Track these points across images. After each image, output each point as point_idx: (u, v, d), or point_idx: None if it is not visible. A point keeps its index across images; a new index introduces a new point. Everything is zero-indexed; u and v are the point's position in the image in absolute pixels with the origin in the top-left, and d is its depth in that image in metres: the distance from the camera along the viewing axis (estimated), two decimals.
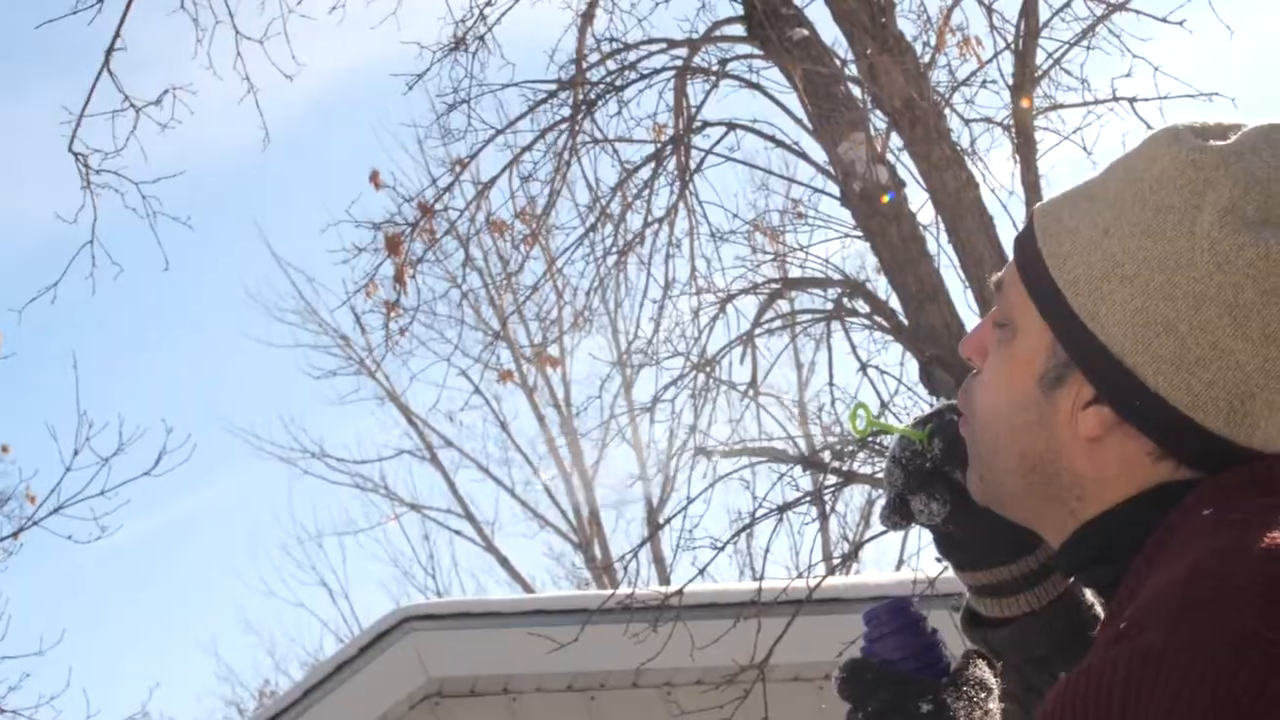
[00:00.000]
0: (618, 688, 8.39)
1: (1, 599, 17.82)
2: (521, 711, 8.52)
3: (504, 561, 24.98)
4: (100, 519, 16.62)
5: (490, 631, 8.47)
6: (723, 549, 7.30)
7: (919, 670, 1.72)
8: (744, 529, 7.19)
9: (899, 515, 1.86)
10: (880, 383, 8.22)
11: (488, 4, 9.15)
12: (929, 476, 1.83)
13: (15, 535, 16.65)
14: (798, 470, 7.96)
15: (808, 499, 7.53)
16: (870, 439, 7.70)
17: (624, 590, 7.66)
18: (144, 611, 35.74)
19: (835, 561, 7.89)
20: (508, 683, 8.49)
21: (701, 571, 7.42)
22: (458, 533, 25.73)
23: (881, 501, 1.91)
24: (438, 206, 9.25)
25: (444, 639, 8.48)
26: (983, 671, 1.73)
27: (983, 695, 1.70)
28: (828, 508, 7.56)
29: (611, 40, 9.25)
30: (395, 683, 8.46)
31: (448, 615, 8.73)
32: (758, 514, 7.32)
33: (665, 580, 18.98)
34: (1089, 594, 1.84)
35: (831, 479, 7.44)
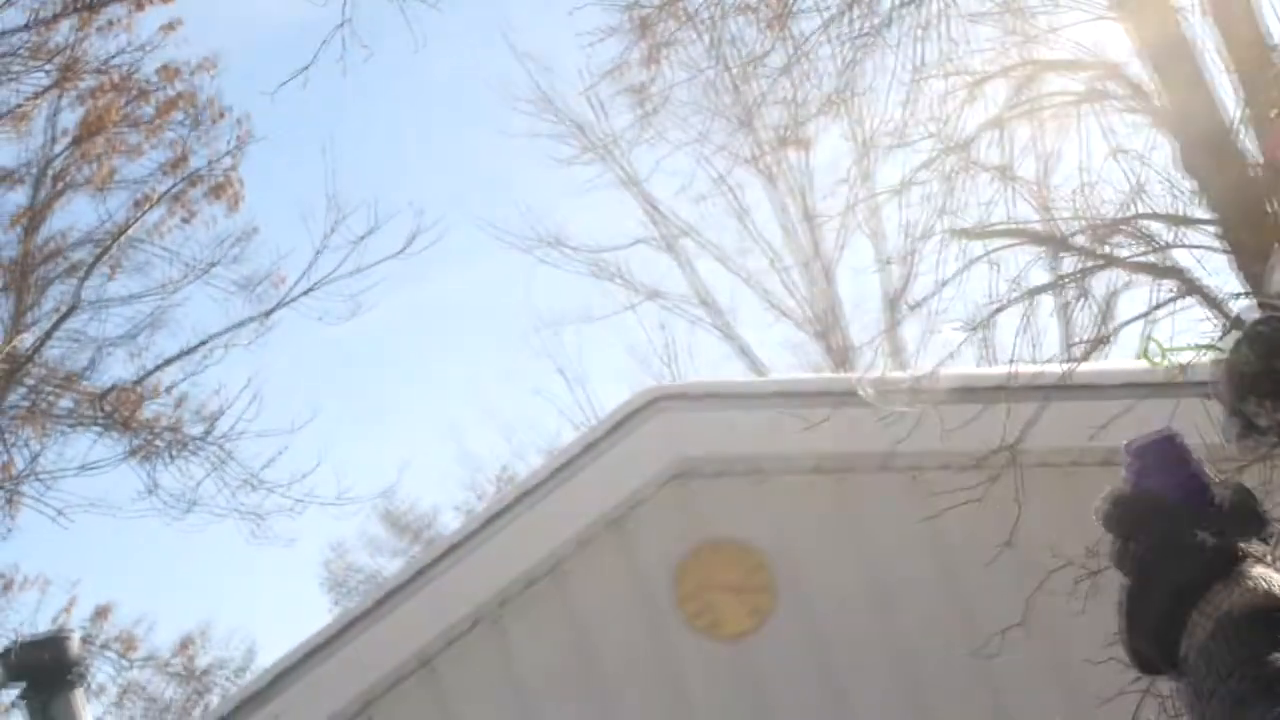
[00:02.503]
0: (865, 470, 8.45)
1: (256, 378, 18.46)
2: (768, 492, 8.63)
3: (742, 350, 25.11)
4: (351, 299, 17.14)
5: (739, 412, 8.56)
6: (976, 329, 7.28)
7: (1189, 504, 1.70)
8: (999, 310, 7.15)
9: (1248, 432, 1.82)
10: (1134, 168, 8.08)
11: None
12: (1255, 380, 1.79)
13: (267, 315, 17.19)
14: (1049, 254, 7.88)
15: (1063, 282, 7.47)
16: (1125, 224, 7.60)
17: (874, 373, 7.69)
18: (389, 393, 36.62)
19: (1086, 345, 7.82)
20: (756, 463, 8.60)
21: (953, 353, 7.43)
22: (695, 322, 25.89)
23: (1223, 419, 1.87)
24: None
25: (693, 419, 8.59)
26: (1256, 504, 1.70)
27: (1257, 527, 1.68)
28: (1082, 292, 7.50)
29: None
30: (644, 462, 8.61)
31: (698, 395, 8.83)
32: (1011, 297, 7.28)
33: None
34: None
35: (1087, 262, 7.37)
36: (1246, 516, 1.67)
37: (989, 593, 8.06)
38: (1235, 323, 1.83)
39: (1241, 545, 1.63)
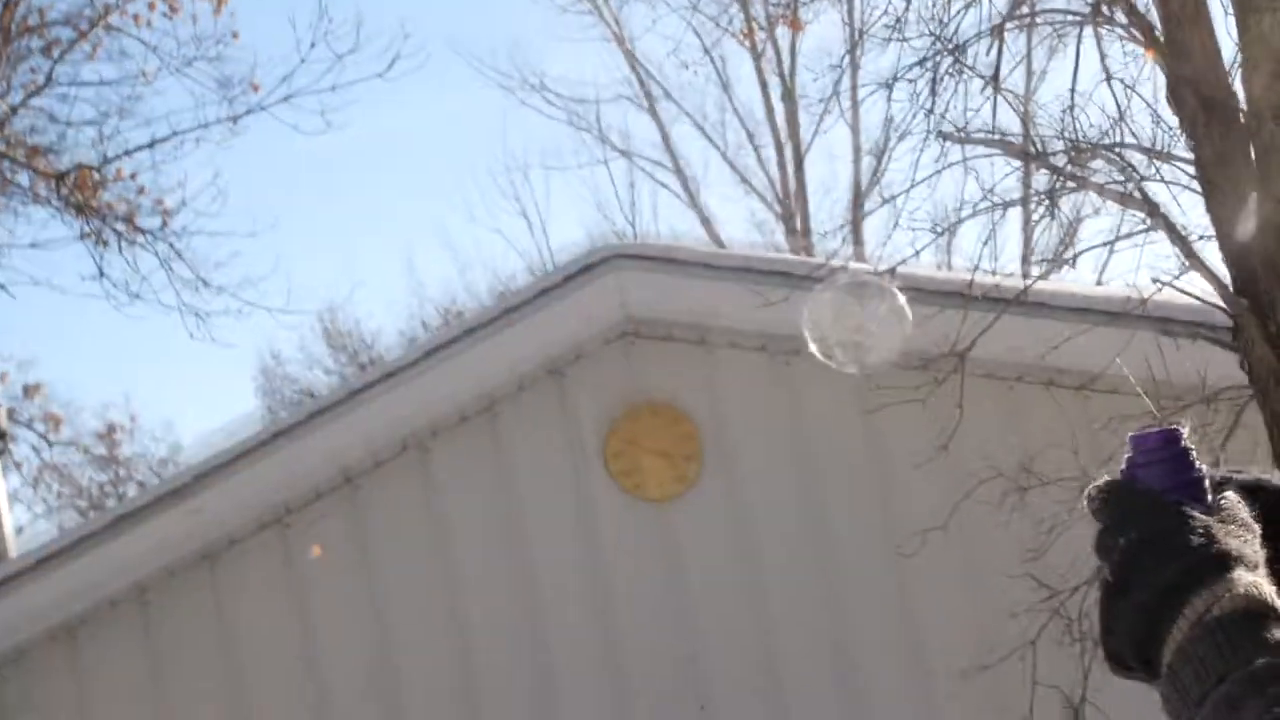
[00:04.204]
0: (811, 355, 8.45)
1: (220, 179, 18.34)
2: (712, 363, 8.65)
3: (705, 221, 25.12)
4: (327, 113, 17.03)
5: (694, 280, 8.55)
6: (943, 234, 7.27)
7: (1183, 503, 1.62)
8: (969, 216, 7.16)
9: None
10: (1121, 95, 8.04)
11: None
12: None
13: (239, 118, 17.04)
14: (1025, 168, 7.85)
15: (1034, 198, 7.45)
16: (1105, 150, 7.58)
17: (837, 261, 7.69)
18: (350, 214, 36.47)
19: (1048, 263, 7.84)
20: (703, 332, 8.61)
21: (918, 253, 7.43)
22: (663, 185, 25.87)
23: None
24: None
25: (647, 279, 8.58)
26: (1243, 510, 1.65)
27: (1249, 534, 1.64)
28: (1051, 210, 7.48)
29: None
30: (592, 315, 8.61)
31: (655, 257, 8.82)
32: (980, 205, 7.28)
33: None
34: None
35: (1061, 181, 7.35)
36: (1240, 522, 1.64)
37: (916, 493, 8.13)
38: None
39: (1232, 551, 1.60)
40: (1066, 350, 7.54)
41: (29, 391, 18.92)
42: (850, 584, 8.44)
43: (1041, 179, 8.17)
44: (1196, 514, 1.60)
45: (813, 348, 5.79)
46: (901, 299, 5.61)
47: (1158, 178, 7.45)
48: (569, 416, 8.64)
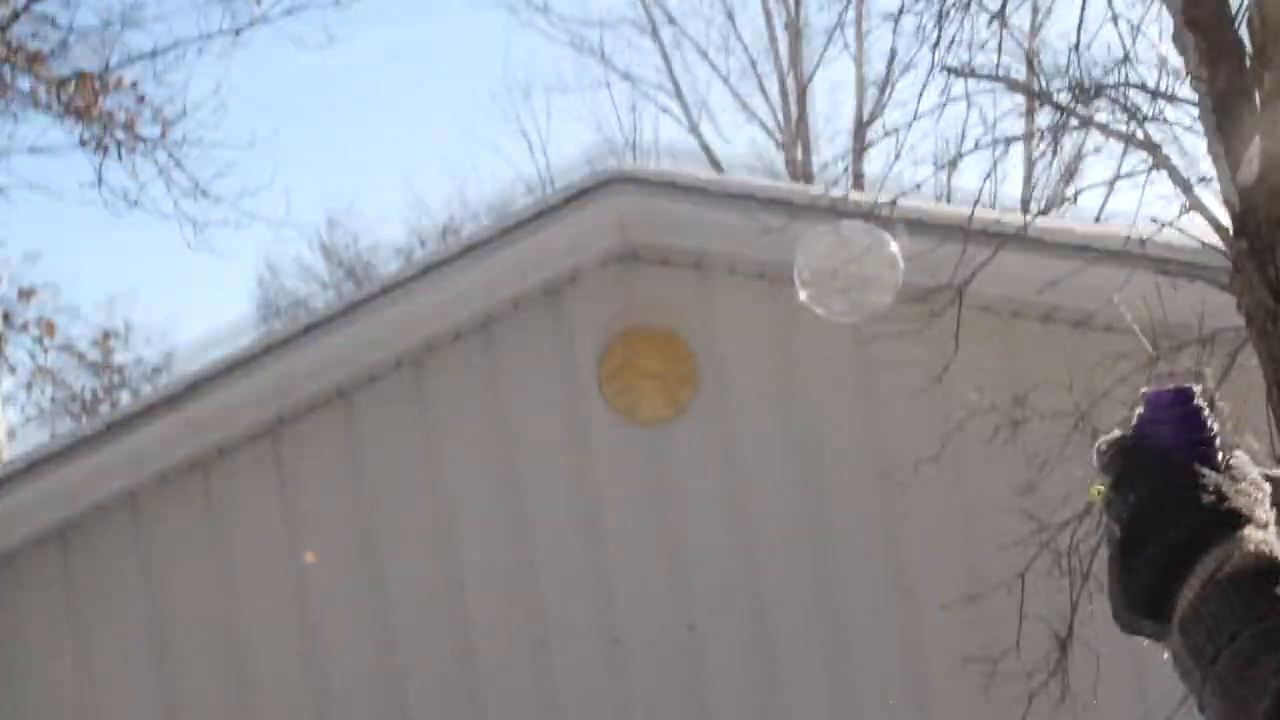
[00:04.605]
0: None
1: (221, 90, 18.24)
2: (709, 288, 8.65)
3: (705, 147, 25.05)
4: (330, 27, 16.93)
5: (694, 206, 8.53)
6: (944, 168, 7.25)
7: (1194, 462, 1.63)
8: (972, 151, 7.14)
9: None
10: (1127, 35, 8.01)
11: None
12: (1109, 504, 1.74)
13: (242, 30, 16.98)
14: (1029, 105, 7.83)
15: (1037, 135, 7.43)
16: (1109, 89, 7.56)
17: (837, 192, 7.67)
18: (351, 126, 36.36)
19: (1049, 200, 7.82)
20: (701, 258, 8.60)
21: (919, 186, 7.42)
22: (665, 110, 25.80)
23: None
24: None
25: (647, 204, 8.56)
26: (1253, 469, 1.65)
27: (1259, 493, 1.63)
28: (1054, 148, 7.46)
29: None
30: (591, 238, 8.60)
31: (655, 182, 8.80)
32: (983, 140, 7.26)
33: None
34: None
35: (1064, 119, 7.33)
36: (1251, 481, 1.63)
37: (909, 424, 8.14)
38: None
39: (1243, 509, 1.59)
40: (1064, 287, 7.54)
41: (24, 295, 18.90)
42: (840, 512, 8.46)
43: (1045, 116, 8.15)
44: (1207, 472, 1.61)
45: (803, 296, 5.78)
46: (895, 248, 5.59)
47: (1161, 118, 7.43)
48: (564, 338, 8.65)
